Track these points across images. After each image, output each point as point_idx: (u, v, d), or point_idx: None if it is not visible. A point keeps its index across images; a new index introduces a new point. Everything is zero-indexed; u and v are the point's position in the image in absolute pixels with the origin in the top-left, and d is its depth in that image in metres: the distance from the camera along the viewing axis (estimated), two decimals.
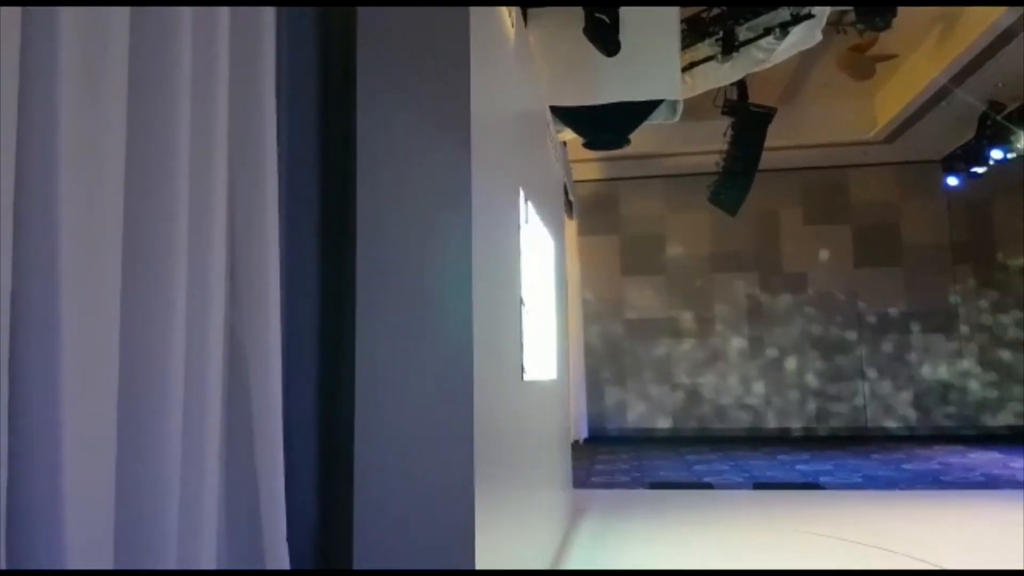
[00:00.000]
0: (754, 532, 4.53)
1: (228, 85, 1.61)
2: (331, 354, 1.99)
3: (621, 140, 6.02)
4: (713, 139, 8.53)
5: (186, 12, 1.45)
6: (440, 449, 1.91)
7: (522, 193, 3.07)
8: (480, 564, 1.90)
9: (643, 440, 10.54)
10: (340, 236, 2.01)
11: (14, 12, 1.09)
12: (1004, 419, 10.11)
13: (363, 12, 2.05)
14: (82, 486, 1.16)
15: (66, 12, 1.18)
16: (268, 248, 1.68)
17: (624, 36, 5.14)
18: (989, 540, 4.25)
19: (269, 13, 1.74)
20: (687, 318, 11.05)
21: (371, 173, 2.00)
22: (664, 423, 10.90)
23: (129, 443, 1.31)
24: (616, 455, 9.01)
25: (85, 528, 1.16)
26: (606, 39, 5.10)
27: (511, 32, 2.93)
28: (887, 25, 5.31)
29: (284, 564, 1.63)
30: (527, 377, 2.98)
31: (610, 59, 5.14)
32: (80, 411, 1.17)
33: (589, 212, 11.06)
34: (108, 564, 1.23)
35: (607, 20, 5.12)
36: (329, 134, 2.05)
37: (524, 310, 2.97)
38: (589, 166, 10.43)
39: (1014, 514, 4.97)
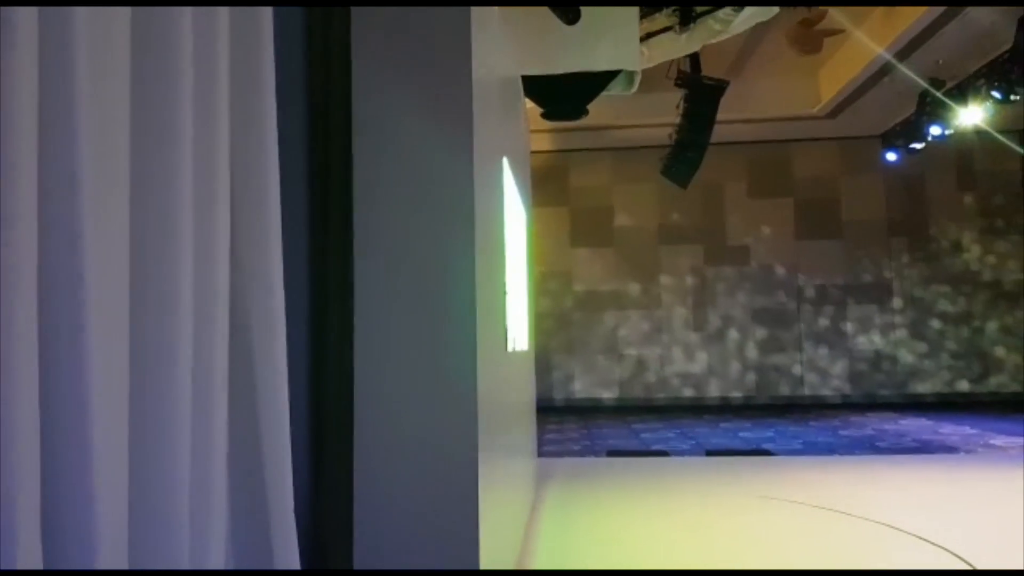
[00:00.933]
0: (715, 497, 4.66)
1: (229, 78, 1.57)
2: (330, 333, 1.93)
3: (579, 110, 5.98)
4: (662, 111, 8.55)
5: (187, 11, 1.42)
6: (443, 419, 1.87)
7: (506, 163, 3.01)
8: (483, 529, 1.88)
9: (590, 410, 10.68)
10: (337, 216, 1.94)
11: (30, 15, 1.05)
12: (932, 387, 10.60)
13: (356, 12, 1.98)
14: (105, 485, 1.16)
15: (79, 13, 1.15)
16: (271, 235, 1.63)
17: (584, 6, 5.06)
18: (935, 500, 4.48)
19: (267, 13, 1.68)
20: (633, 290, 11.18)
21: (369, 146, 1.94)
22: (610, 393, 11.06)
23: (140, 442, 1.31)
24: (565, 424, 9.11)
25: (109, 525, 1.15)
26: (566, 7, 5.02)
27: None
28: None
29: (294, 564, 1.59)
30: (510, 347, 2.95)
31: (570, 29, 5.06)
32: (102, 412, 1.16)
33: (539, 183, 10.95)
34: (123, 563, 1.20)
35: None
36: (325, 105, 1.97)
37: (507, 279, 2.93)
38: (539, 137, 10.34)
39: (951, 476, 5.24)
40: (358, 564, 1.84)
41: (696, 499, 4.65)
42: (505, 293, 2.84)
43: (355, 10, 1.97)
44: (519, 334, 3.68)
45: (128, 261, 1.27)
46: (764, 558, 3.27)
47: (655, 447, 7.03)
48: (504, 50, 3.21)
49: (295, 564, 1.60)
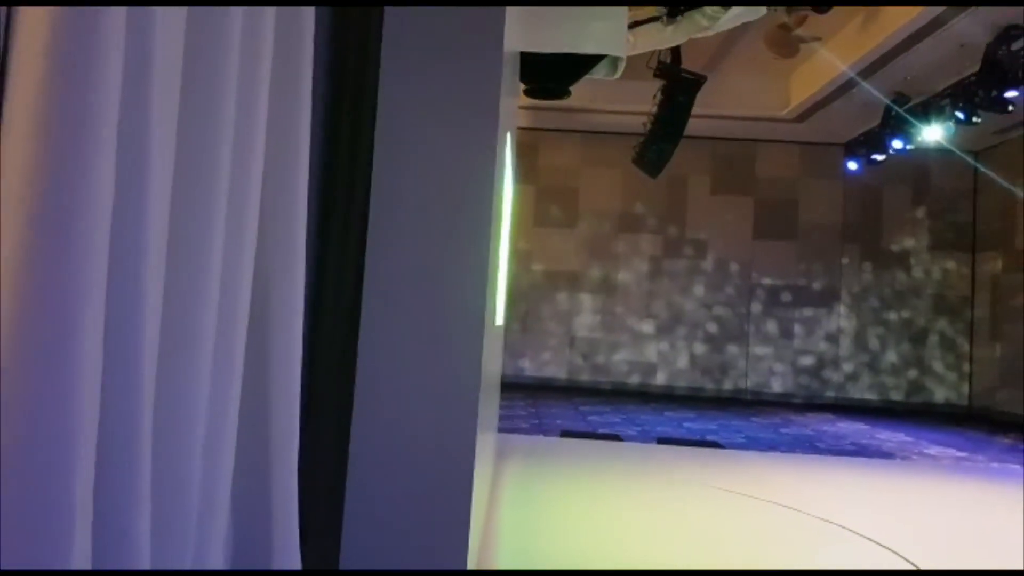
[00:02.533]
0: (669, 486, 4.76)
1: (270, 77, 1.54)
2: (336, 310, 1.88)
3: (563, 90, 5.94)
4: (637, 99, 8.56)
5: (237, 13, 1.38)
6: (444, 400, 1.85)
7: (508, 139, 2.97)
8: (473, 504, 1.88)
9: (537, 388, 10.75)
10: (348, 182, 1.88)
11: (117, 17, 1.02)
12: (870, 393, 10.98)
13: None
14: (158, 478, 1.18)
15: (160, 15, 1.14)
16: (296, 236, 1.58)
17: None
18: (878, 502, 4.65)
19: (309, 13, 1.62)
20: (591, 274, 11.26)
21: (391, 123, 1.89)
22: (559, 373, 11.15)
23: (159, 436, 1.26)
24: (512, 401, 9.14)
25: (141, 517, 1.14)
26: None
27: None
28: (829, 6, 5.43)
29: (295, 564, 1.56)
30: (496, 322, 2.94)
31: (560, 9, 5.00)
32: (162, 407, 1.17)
33: None
34: (146, 562, 1.17)
35: None
36: (347, 86, 1.91)
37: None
38: None
39: (890, 480, 5.45)
40: (349, 534, 1.82)
41: (652, 486, 4.74)
42: (498, 268, 2.81)
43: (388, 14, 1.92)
44: (500, 308, 3.68)
45: (166, 252, 1.25)
46: (723, 550, 3.35)
47: (602, 430, 7.13)
48: (512, 25, 3.15)
49: (296, 564, 1.57)
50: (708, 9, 5.80)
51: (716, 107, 9.87)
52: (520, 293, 11.16)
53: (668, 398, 10.69)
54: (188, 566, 1.29)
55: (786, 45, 8.24)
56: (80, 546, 0.95)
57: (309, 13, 1.64)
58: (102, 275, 1.01)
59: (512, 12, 5.07)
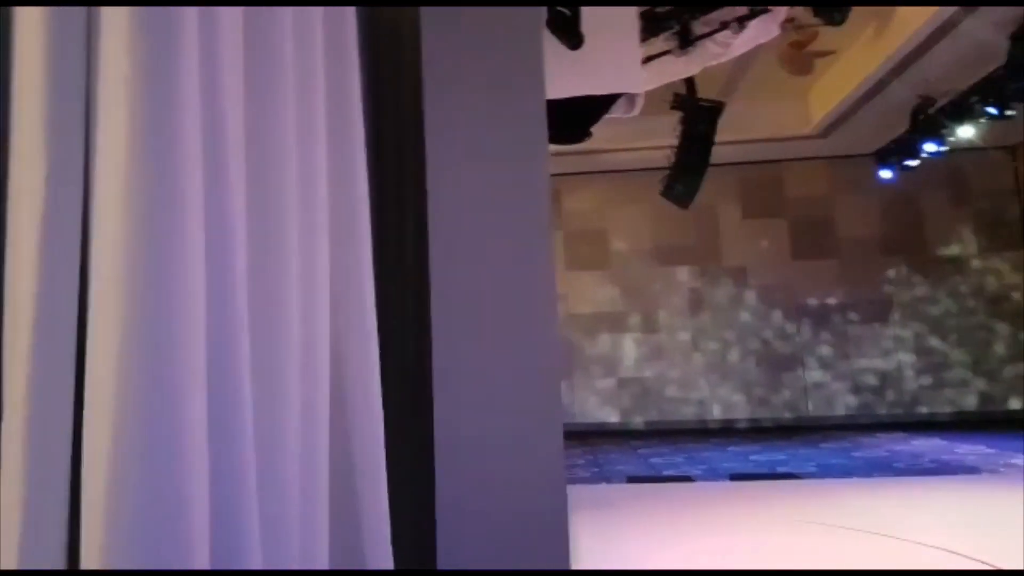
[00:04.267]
0: (753, 523, 4.51)
1: (324, 87, 1.57)
2: (412, 349, 1.82)
3: (584, 134, 5.92)
4: (656, 134, 8.52)
5: (288, 16, 1.39)
6: (528, 446, 1.75)
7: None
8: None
9: (592, 434, 10.50)
10: (414, 233, 1.85)
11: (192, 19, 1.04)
12: (940, 407, 10.50)
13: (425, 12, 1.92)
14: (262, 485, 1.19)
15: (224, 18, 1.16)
16: (362, 248, 1.56)
17: (586, 29, 5.02)
18: (981, 521, 4.38)
19: (351, 13, 1.62)
20: (631, 312, 11.09)
21: (441, 166, 1.86)
22: (612, 417, 10.90)
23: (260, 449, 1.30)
24: (568, 449, 8.88)
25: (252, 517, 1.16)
26: (569, 32, 4.98)
27: None
28: (843, 20, 5.36)
29: (388, 564, 1.50)
30: None
31: (573, 53, 5.00)
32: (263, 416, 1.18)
33: None
34: (258, 562, 1.20)
35: (569, 13, 5.01)
36: (398, 123, 1.89)
37: None
38: None
39: (985, 496, 5.12)
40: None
41: (731, 525, 4.50)
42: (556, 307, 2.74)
43: (425, 18, 1.89)
44: None
45: (247, 272, 1.24)
46: None
47: (667, 472, 6.87)
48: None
49: (388, 564, 1.52)
50: (719, 36, 5.76)
51: (737, 132, 9.79)
52: (561, 339, 11.01)
53: (728, 432, 10.35)
54: (295, 566, 1.27)
55: (800, 62, 8.18)
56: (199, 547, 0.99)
57: (351, 21, 1.63)
58: (201, 283, 1.02)
59: None
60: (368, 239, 1.60)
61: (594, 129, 7.92)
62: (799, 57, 8.08)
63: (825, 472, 6.55)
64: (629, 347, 11.04)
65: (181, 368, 0.98)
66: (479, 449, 1.77)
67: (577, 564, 3.58)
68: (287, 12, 1.36)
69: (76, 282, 1.01)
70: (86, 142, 1.01)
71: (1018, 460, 6.56)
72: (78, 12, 1.00)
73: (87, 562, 0.96)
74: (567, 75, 5.18)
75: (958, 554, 3.55)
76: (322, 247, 1.46)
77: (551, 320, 1.77)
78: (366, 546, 1.52)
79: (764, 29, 5.58)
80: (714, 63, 6.07)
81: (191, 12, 1.02)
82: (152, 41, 0.98)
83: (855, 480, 6.04)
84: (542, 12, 1.94)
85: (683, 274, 11.10)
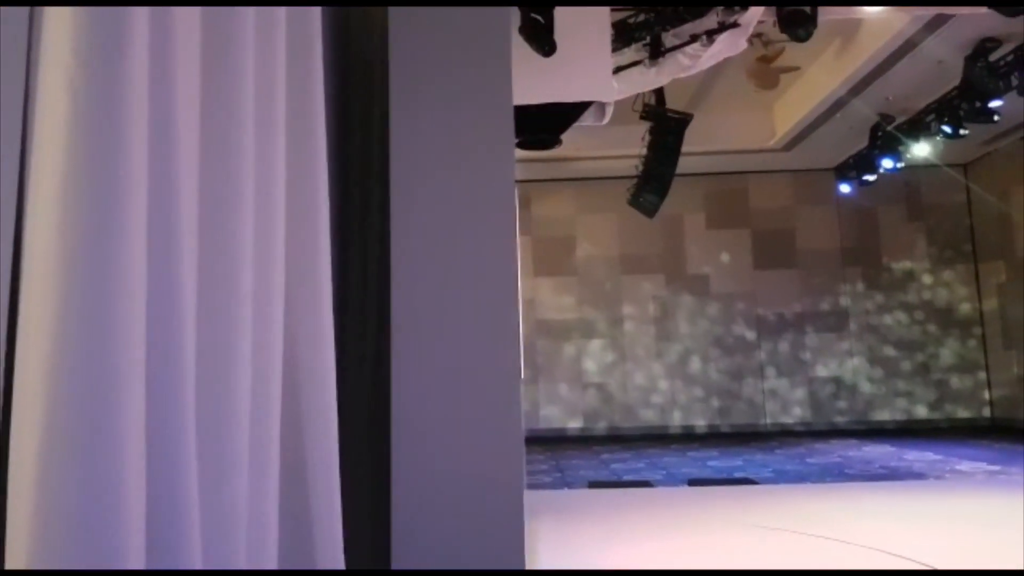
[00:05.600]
0: (709, 527, 4.59)
1: (286, 85, 1.55)
2: (371, 351, 1.85)
3: (554, 140, 6.01)
4: (626, 144, 8.66)
5: (250, 15, 1.38)
6: (488, 451, 1.80)
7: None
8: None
9: (554, 439, 10.59)
10: (373, 235, 1.87)
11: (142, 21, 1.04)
12: (891, 414, 10.82)
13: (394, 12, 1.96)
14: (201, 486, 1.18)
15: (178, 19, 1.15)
16: (320, 246, 1.57)
17: (559, 37, 5.11)
18: (926, 524, 4.51)
19: (316, 13, 1.63)
20: (596, 318, 11.21)
21: (406, 166, 1.90)
22: (575, 423, 11.00)
23: (205, 440, 1.28)
24: (532, 455, 8.99)
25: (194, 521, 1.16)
26: (542, 39, 5.06)
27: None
28: (808, 36, 5.53)
29: (339, 564, 1.52)
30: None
31: (545, 60, 5.09)
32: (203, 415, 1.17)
33: None
34: (198, 562, 1.18)
35: (542, 20, 5.09)
36: (365, 122, 1.92)
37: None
38: None
39: (929, 500, 5.31)
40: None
41: (687, 528, 4.58)
42: (519, 316, 2.79)
43: (392, 14, 1.93)
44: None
45: (196, 266, 1.24)
46: None
47: (627, 477, 6.98)
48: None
49: (340, 564, 1.54)
50: (689, 49, 5.90)
51: (704, 144, 9.98)
52: (527, 344, 11.10)
53: (688, 438, 10.52)
54: (242, 564, 1.28)
55: (767, 77, 8.39)
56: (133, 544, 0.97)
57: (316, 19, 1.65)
58: (142, 279, 1.01)
59: None
60: (327, 240, 1.61)
61: (564, 137, 8.03)
62: (766, 71, 8.29)
63: (780, 477, 6.71)
64: (593, 353, 11.16)
65: (115, 365, 0.97)
66: (436, 449, 1.81)
67: (535, 567, 3.65)
68: (249, 12, 1.38)
69: (8, 279, 1.01)
70: (23, 140, 1.01)
71: (963, 466, 6.82)
72: (20, 12, 1.00)
73: (12, 562, 0.93)
74: (538, 81, 5.26)
75: (892, 554, 3.69)
76: (278, 247, 1.46)
77: (512, 322, 1.83)
78: (317, 546, 1.53)
79: (732, 43, 5.73)
80: (683, 75, 6.22)
81: (141, 12, 1.02)
82: (97, 40, 0.98)
83: (804, 485, 6.21)
84: (510, 12, 1.98)
85: (648, 282, 11.27)
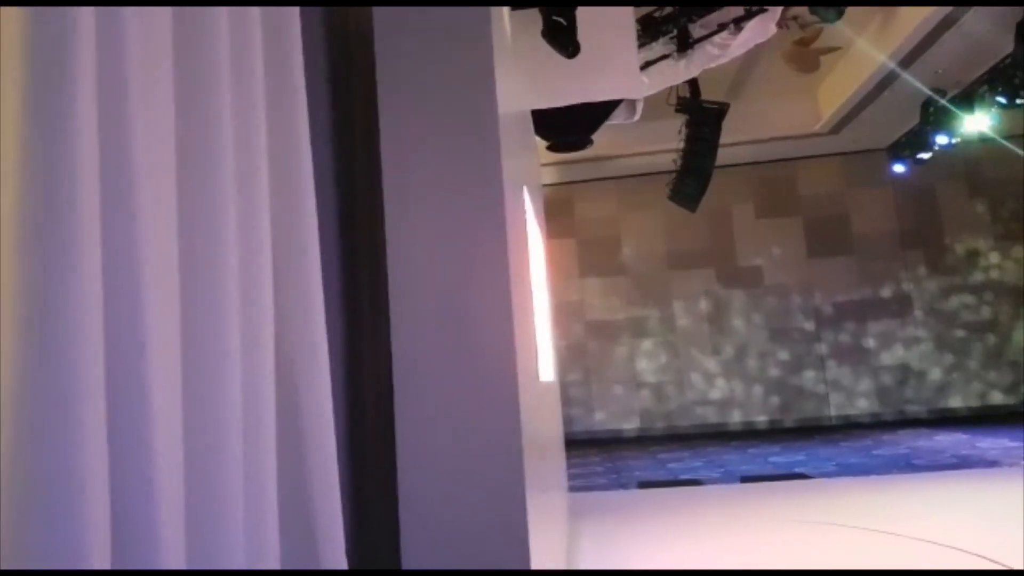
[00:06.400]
0: (753, 524, 4.51)
1: (264, 87, 1.55)
2: (367, 360, 1.87)
3: (585, 141, 5.96)
4: (663, 138, 8.53)
5: (223, 16, 1.39)
6: (488, 453, 1.79)
7: (526, 193, 2.97)
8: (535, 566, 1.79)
9: (611, 441, 10.50)
10: (369, 240, 1.90)
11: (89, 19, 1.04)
12: (964, 400, 10.35)
13: (378, 13, 1.97)
14: (166, 487, 1.17)
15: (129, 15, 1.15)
16: (310, 257, 1.61)
17: (582, 37, 5.06)
18: (983, 516, 4.30)
19: (295, 14, 1.65)
20: (647, 317, 11.07)
21: (398, 178, 1.92)
22: (631, 423, 10.87)
23: (194, 444, 1.29)
24: (587, 457, 8.94)
25: (169, 527, 1.16)
26: (565, 41, 5.02)
27: (508, 31, 2.83)
28: (837, 18, 5.35)
29: (341, 564, 1.53)
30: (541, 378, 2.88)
31: (571, 61, 5.05)
32: (161, 413, 1.16)
33: (545, 216, 11.00)
34: (181, 563, 1.19)
35: (564, 22, 5.05)
36: (352, 137, 1.94)
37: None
38: (542, 170, 10.37)
39: (997, 490, 5.04)
40: None
41: (735, 526, 4.49)
42: (534, 324, 2.76)
43: (377, 17, 1.94)
44: (545, 364, 3.59)
45: (178, 272, 1.25)
46: None
47: (684, 476, 6.85)
48: (518, 82, 3.18)
49: (342, 564, 1.54)
50: (717, 38, 5.78)
51: (747, 133, 9.78)
52: (577, 346, 11.02)
53: (749, 435, 10.27)
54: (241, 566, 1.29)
55: (806, 60, 8.16)
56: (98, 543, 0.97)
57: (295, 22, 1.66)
58: (97, 282, 1.01)
59: (517, 72, 5.14)
60: (315, 236, 1.62)
61: (603, 135, 7.97)
62: (805, 54, 8.06)
63: (844, 471, 6.49)
64: (646, 353, 11.02)
65: (70, 371, 0.98)
66: (442, 450, 1.80)
67: (576, 567, 3.62)
68: (222, 13, 1.39)
69: None
70: None
71: None
72: None
73: None
74: (565, 83, 5.23)
75: (957, 549, 3.52)
76: (263, 238, 1.47)
77: (507, 323, 1.80)
78: (319, 547, 1.54)
79: (761, 29, 5.59)
80: (713, 65, 6.09)
81: (87, 12, 1.02)
82: (46, 44, 0.98)
83: (867, 478, 5.98)
84: (488, 11, 1.97)
85: (698, 277, 11.06)
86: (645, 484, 6.55)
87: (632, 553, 4.06)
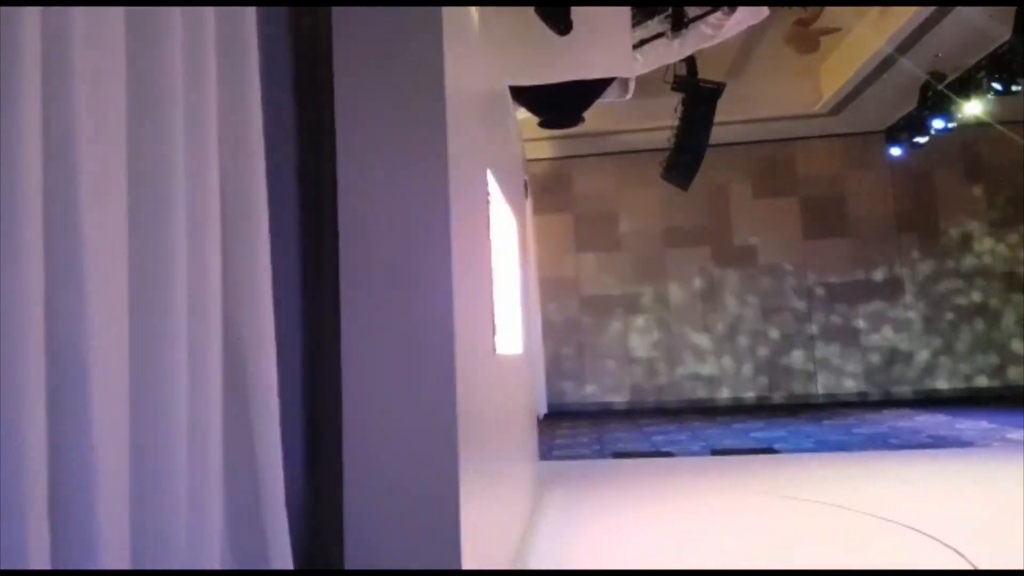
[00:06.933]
0: (715, 495, 4.69)
1: (216, 84, 1.61)
2: (316, 342, 2.00)
3: (576, 118, 6.03)
4: (663, 115, 8.56)
5: (176, 14, 1.45)
6: (424, 428, 1.93)
7: (489, 174, 3.06)
8: (465, 537, 1.92)
9: (602, 414, 10.67)
10: (322, 225, 2.02)
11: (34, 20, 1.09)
12: (949, 382, 10.49)
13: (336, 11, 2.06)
14: (107, 482, 1.20)
15: (77, 14, 1.19)
16: (259, 241, 1.68)
17: (575, 15, 5.10)
18: (942, 496, 4.46)
19: (251, 13, 1.72)
20: (642, 293, 11.18)
21: (351, 161, 2.03)
22: (622, 397, 11.05)
23: (139, 439, 1.34)
24: (576, 429, 9.11)
25: (110, 523, 1.20)
26: (558, 18, 5.06)
27: (475, 14, 2.91)
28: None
29: (287, 563, 1.63)
30: (498, 351, 3.00)
31: (563, 38, 5.10)
32: (103, 407, 1.20)
33: (542, 191, 11.08)
34: (125, 563, 1.24)
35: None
36: (308, 126, 2.05)
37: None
38: (541, 145, 10.41)
39: (961, 470, 5.20)
40: (349, 565, 1.89)
41: (697, 497, 4.68)
42: (492, 300, 2.88)
43: (336, 16, 2.03)
44: (510, 338, 3.72)
45: (126, 265, 1.31)
46: (763, 554, 3.28)
47: (665, 449, 7.03)
48: (486, 62, 3.26)
49: (288, 564, 1.64)
50: (711, 18, 5.82)
51: (747, 111, 9.79)
52: (571, 320, 11.16)
53: (736, 411, 10.43)
54: (179, 567, 1.35)
55: (806, 40, 8.16)
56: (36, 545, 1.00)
57: (251, 21, 1.71)
58: (38, 290, 1.05)
59: (500, 46, 5.17)
60: (265, 233, 1.64)
61: (603, 111, 8.01)
62: (805, 35, 8.06)
63: (821, 448, 6.65)
64: (639, 329, 11.15)
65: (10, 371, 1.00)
66: (385, 427, 1.92)
67: (535, 530, 3.79)
68: (175, 13, 1.42)
69: None
70: None
71: (1016, 435, 6.60)
72: None
73: None
74: (557, 61, 5.29)
75: (891, 521, 3.70)
76: (213, 225, 1.52)
77: (446, 300, 1.92)
78: (268, 545, 1.60)
79: (754, 11, 5.63)
80: (707, 45, 6.13)
81: (34, 12, 1.05)
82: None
83: (837, 455, 6.16)
84: (439, 11, 2.07)
85: (693, 254, 11.15)
86: (619, 454, 6.72)
87: (591, 515, 4.25)
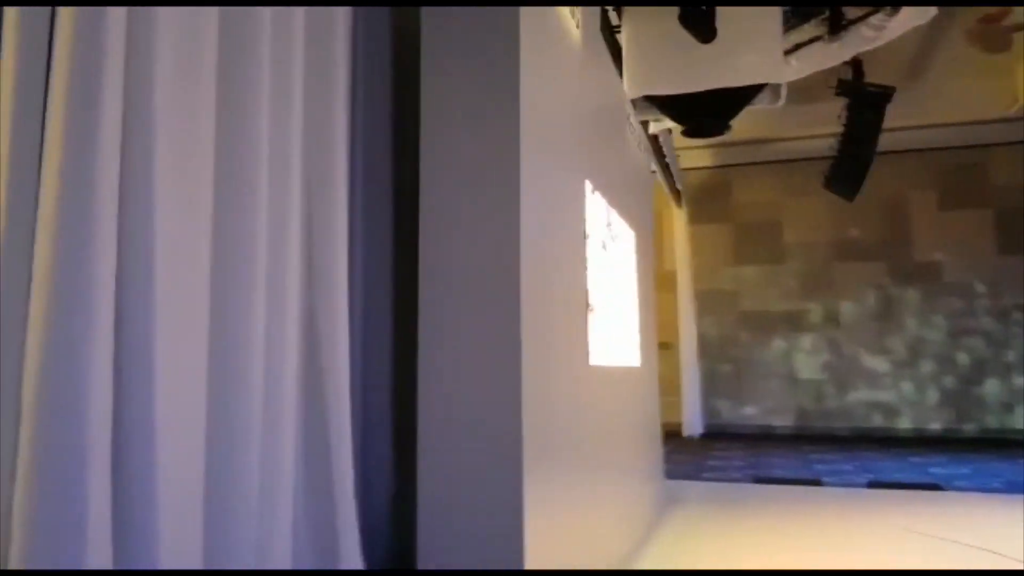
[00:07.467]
0: (846, 529, 4.34)
1: (303, 83, 1.68)
2: (403, 343, 2.12)
3: (722, 127, 5.86)
4: (829, 121, 8.11)
5: (266, 15, 1.52)
6: (491, 434, 2.00)
7: (588, 185, 3.10)
8: (530, 549, 1.96)
9: (762, 438, 10.17)
10: (404, 235, 2.15)
11: (119, 19, 1.15)
12: None
13: (426, 14, 2.18)
14: (175, 482, 1.24)
15: (163, 16, 1.25)
16: (338, 246, 1.78)
17: (721, 22, 5.00)
18: None
19: (344, 14, 1.81)
20: (808, 310, 10.56)
21: (433, 162, 2.14)
22: (785, 420, 10.47)
23: (216, 437, 1.39)
24: (731, 451, 8.76)
25: (178, 522, 1.25)
26: (702, 25, 4.99)
27: (574, 31, 2.97)
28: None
29: (356, 561, 1.68)
30: (593, 362, 3.00)
31: (707, 46, 5.02)
32: (175, 406, 1.25)
33: (699, 200, 10.81)
34: (197, 562, 1.29)
35: (703, 7, 5.01)
36: (398, 127, 2.18)
37: (589, 297, 2.99)
38: (697, 153, 10.19)
39: None
40: (422, 565, 1.97)
41: (826, 530, 4.35)
42: (586, 307, 2.89)
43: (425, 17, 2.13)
44: (621, 351, 3.67)
45: (208, 266, 1.38)
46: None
47: (822, 478, 6.59)
48: (591, 71, 3.28)
49: (358, 562, 1.69)
50: (872, 20, 5.48)
51: (931, 116, 9.05)
52: (729, 337, 10.75)
53: (917, 443, 9.54)
54: (249, 560, 1.44)
55: (994, 39, 7.43)
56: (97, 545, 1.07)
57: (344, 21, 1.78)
58: (110, 295, 1.12)
59: (638, 57, 5.13)
60: (344, 239, 1.70)
61: (764, 119, 7.70)
62: (992, 32, 7.35)
63: (1010, 489, 5.93)
64: (805, 347, 10.53)
65: (84, 364, 1.05)
66: (456, 440, 1.99)
67: (645, 549, 3.68)
68: (265, 13, 1.47)
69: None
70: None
71: None
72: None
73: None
74: (701, 68, 5.20)
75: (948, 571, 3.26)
76: (293, 236, 1.58)
77: (514, 316, 1.97)
78: (339, 543, 1.65)
79: (920, 10, 5.23)
80: (869, 48, 5.77)
81: (119, 12, 1.10)
82: (81, 42, 1.07)
83: (1011, 497, 5.45)
84: (518, 11, 2.12)
85: (867, 270, 10.38)
86: (760, 480, 6.39)
87: (705, 542, 4.07)
